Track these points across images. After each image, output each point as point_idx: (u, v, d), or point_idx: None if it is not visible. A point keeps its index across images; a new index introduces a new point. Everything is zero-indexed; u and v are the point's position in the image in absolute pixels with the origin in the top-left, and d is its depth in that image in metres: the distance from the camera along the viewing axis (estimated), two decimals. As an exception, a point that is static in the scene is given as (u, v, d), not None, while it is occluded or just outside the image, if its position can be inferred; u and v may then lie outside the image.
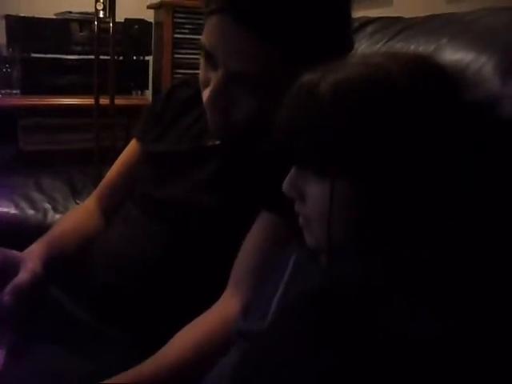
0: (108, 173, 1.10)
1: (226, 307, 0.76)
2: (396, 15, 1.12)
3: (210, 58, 0.78)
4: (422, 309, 0.41)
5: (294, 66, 0.69)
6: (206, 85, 0.80)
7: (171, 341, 0.74)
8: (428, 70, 0.60)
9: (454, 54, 0.77)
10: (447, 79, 0.60)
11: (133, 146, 1.07)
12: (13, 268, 0.81)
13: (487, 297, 0.41)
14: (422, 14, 1.02)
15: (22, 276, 0.80)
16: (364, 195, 0.56)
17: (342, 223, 0.58)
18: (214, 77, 0.78)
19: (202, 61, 0.82)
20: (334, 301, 0.46)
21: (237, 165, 0.85)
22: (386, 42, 0.94)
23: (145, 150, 1.02)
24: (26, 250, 0.89)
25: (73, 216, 1.08)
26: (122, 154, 1.09)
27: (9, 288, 0.77)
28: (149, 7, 2.83)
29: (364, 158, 0.55)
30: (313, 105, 0.58)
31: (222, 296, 0.79)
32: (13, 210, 1.29)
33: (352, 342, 0.41)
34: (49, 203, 1.33)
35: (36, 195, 1.34)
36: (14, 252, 0.84)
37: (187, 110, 0.98)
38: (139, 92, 2.74)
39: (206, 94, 0.80)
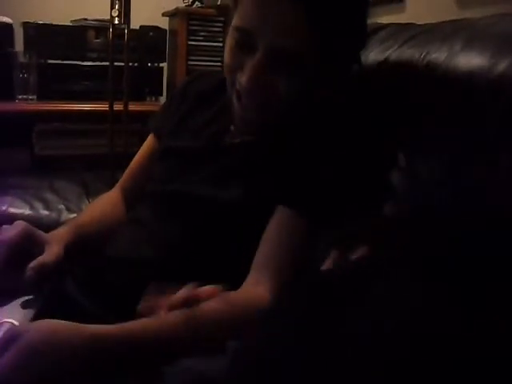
0: (130, 165, 1.12)
1: (250, 290, 0.76)
2: (408, 21, 1.13)
3: (246, 41, 0.78)
4: (409, 303, 0.41)
5: (330, 50, 0.73)
6: (239, 70, 0.80)
7: None
8: None
9: (468, 61, 0.77)
10: None
11: (150, 140, 1.10)
12: (37, 247, 0.83)
13: (477, 296, 0.41)
14: (434, 20, 1.02)
15: (47, 257, 0.81)
16: None
17: None
18: (252, 59, 0.77)
19: (229, 49, 0.81)
20: (323, 290, 0.46)
21: (254, 161, 0.86)
22: (397, 48, 0.94)
23: (161, 144, 1.03)
24: (52, 232, 0.90)
25: (99, 204, 1.09)
26: (141, 148, 1.11)
27: (33, 264, 0.79)
28: (164, 15, 2.86)
29: None
30: None
31: (245, 283, 0.78)
32: (27, 211, 1.31)
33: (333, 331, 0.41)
34: (63, 204, 1.35)
35: (50, 196, 1.36)
36: (40, 232, 0.86)
37: (203, 104, 0.98)
38: (153, 98, 2.76)
39: (243, 78, 0.78)
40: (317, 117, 0.83)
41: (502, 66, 0.70)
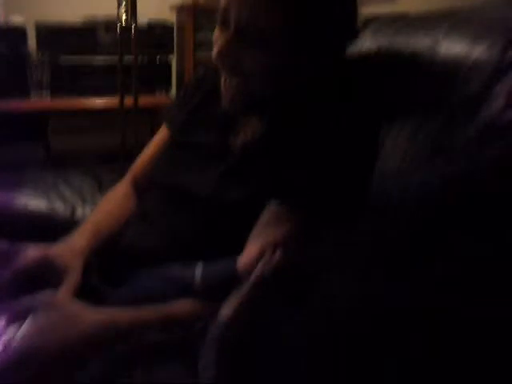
0: (140, 155, 1.14)
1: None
2: (400, 11, 1.16)
3: (224, 19, 0.84)
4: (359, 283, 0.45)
5: (301, 30, 0.78)
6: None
7: None
8: None
9: (448, 49, 0.81)
10: None
11: (162, 131, 1.11)
12: (51, 270, 0.83)
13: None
14: (426, 9, 1.06)
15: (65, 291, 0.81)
16: None
17: None
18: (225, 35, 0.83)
19: (215, 29, 0.87)
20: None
21: (257, 162, 0.88)
22: (388, 38, 0.97)
23: (171, 137, 1.06)
24: (72, 246, 0.90)
25: (112, 199, 1.10)
26: (153, 138, 1.13)
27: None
28: (171, 9, 2.91)
29: None
30: None
31: None
32: (44, 205, 1.35)
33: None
34: (77, 197, 1.40)
35: (65, 190, 1.40)
36: (55, 253, 0.85)
37: (213, 98, 0.99)
38: (163, 91, 2.81)
39: (214, 51, 0.84)
40: (301, 103, 0.86)
41: (476, 51, 0.74)
